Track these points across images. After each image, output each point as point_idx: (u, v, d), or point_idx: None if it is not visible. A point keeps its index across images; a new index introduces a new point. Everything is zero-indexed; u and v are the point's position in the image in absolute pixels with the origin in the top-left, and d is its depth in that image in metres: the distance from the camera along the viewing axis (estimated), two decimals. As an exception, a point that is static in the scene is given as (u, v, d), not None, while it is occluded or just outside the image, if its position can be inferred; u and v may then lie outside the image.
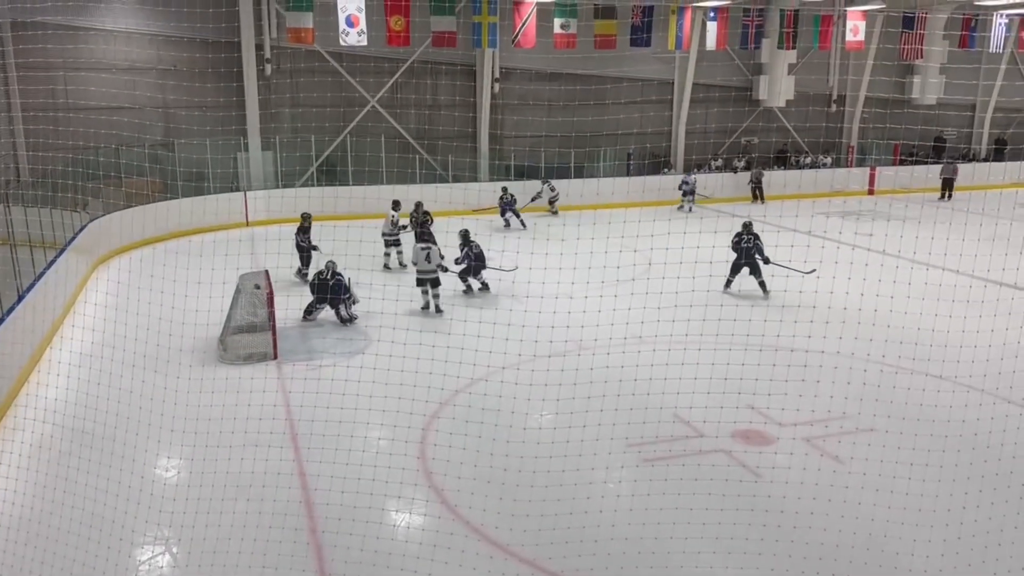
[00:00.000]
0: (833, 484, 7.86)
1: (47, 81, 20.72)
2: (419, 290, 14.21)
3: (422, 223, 17.13)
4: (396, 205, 17.41)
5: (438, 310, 13.98)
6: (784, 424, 9.36)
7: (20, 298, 11.47)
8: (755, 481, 8.24)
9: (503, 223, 22.25)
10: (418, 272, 14.19)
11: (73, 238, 15.56)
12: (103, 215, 18.30)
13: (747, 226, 15.10)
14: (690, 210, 25.11)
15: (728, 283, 15.16)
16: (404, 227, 17.21)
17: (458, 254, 15.02)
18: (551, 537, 7.03)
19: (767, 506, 7.74)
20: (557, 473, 7.95)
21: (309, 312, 13.61)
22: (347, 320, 13.46)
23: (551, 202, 24.19)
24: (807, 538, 7.12)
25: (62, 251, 14.47)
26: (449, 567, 6.75)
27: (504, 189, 22.75)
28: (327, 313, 13.64)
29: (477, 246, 15.04)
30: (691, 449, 8.92)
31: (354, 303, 13.61)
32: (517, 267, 14.16)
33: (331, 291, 13.22)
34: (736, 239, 15.06)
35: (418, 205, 18.23)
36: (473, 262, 15.00)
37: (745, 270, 14.96)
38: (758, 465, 8.48)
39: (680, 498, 7.40)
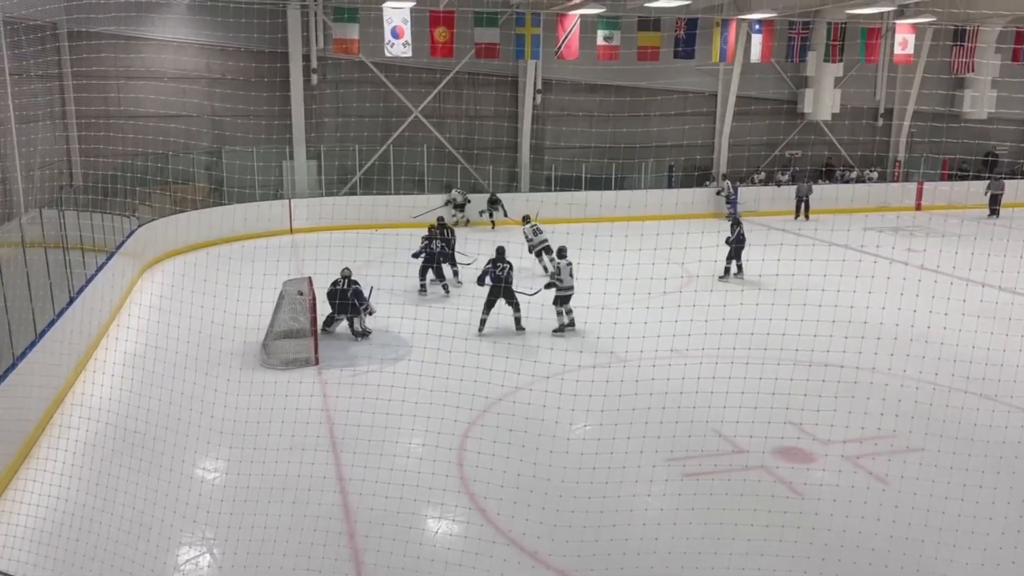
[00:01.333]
0: (882, 504, 7.67)
1: (101, 89, 21.24)
2: (556, 309, 13.43)
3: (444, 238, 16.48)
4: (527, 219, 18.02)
5: (572, 324, 13.49)
6: (832, 441, 9.17)
7: (71, 300, 11.74)
8: (802, 498, 8.09)
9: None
10: (561, 290, 13.39)
11: (123, 242, 15.90)
12: (152, 220, 18.68)
13: (737, 219, 17.34)
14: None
15: (727, 271, 17.00)
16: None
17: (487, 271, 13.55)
18: (592, 549, 6.97)
19: (813, 524, 7.59)
20: (599, 485, 7.88)
21: (328, 324, 13.15)
22: (360, 334, 12.99)
23: (458, 207, 23.42)
24: (853, 558, 6.97)
25: (112, 255, 14.80)
26: (489, 575, 6.71)
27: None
28: (343, 327, 13.25)
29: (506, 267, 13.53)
30: (731, 465, 8.78)
31: (370, 313, 13.13)
32: (540, 291, 13.58)
33: (347, 301, 12.69)
34: (737, 232, 16.84)
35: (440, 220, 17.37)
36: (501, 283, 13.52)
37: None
38: (805, 482, 8.33)
39: (720, 514, 7.30)
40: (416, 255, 15.92)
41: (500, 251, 13.52)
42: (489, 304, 13.29)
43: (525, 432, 8.35)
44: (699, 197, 25.97)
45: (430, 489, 7.58)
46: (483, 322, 13.32)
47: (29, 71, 18.21)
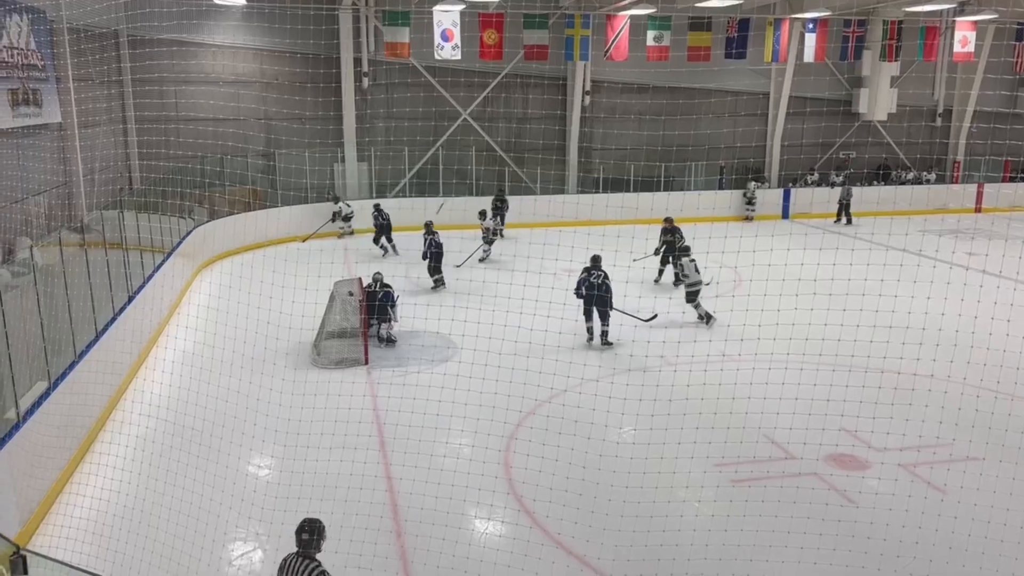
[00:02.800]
0: (940, 514, 7.47)
1: (159, 94, 21.82)
2: (691, 306, 13.67)
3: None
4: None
5: (703, 318, 13.63)
6: (887, 449, 8.97)
7: (130, 299, 12.07)
8: (856, 507, 7.91)
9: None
10: (692, 286, 13.61)
11: (179, 243, 16.29)
12: (207, 221, 19.10)
13: (671, 220, 16.90)
14: (750, 218, 25.59)
15: (661, 273, 16.85)
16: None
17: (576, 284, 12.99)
18: (640, 554, 6.92)
19: (868, 533, 7.43)
20: (647, 489, 7.82)
21: (368, 327, 12.73)
22: (385, 341, 12.81)
23: (346, 219, 22.11)
24: (909, 569, 6.80)
25: (169, 255, 15.17)
26: (535, 578, 6.71)
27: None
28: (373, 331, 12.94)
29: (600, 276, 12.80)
30: (783, 472, 8.63)
31: (394, 321, 12.97)
32: (656, 315, 13.23)
33: (380, 305, 12.61)
34: (672, 236, 16.55)
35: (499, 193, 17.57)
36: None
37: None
38: (860, 490, 8.14)
39: (771, 521, 7.16)
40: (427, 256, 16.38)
41: (596, 260, 12.77)
42: (588, 313, 12.73)
43: (573, 435, 8.32)
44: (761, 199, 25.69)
45: (478, 490, 7.61)
46: (590, 330, 12.73)
47: (91, 77, 18.77)
